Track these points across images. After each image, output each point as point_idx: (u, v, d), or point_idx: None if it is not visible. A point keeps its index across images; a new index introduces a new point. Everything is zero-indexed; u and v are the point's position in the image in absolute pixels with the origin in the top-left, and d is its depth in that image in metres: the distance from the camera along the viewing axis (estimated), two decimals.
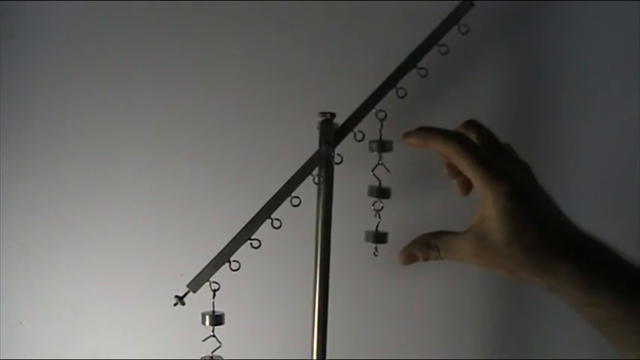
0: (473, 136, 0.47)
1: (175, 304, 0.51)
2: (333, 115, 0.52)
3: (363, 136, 0.52)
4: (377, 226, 0.53)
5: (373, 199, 0.53)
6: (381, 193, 0.53)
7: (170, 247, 0.63)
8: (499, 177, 0.42)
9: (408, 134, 0.47)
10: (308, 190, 0.52)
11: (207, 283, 0.51)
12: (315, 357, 0.53)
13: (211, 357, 0.52)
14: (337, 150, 0.52)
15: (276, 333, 0.63)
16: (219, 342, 0.51)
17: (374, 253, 0.54)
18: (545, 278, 0.42)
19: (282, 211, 0.51)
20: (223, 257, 0.51)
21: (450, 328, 0.65)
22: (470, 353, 0.65)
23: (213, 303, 0.51)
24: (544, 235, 0.41)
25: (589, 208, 0.63)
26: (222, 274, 0.51)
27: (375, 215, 0.53)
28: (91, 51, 0.63)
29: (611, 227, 0.61)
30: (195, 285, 0.51)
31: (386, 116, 0.51)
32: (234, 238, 0.51)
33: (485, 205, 0.42)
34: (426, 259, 0.48)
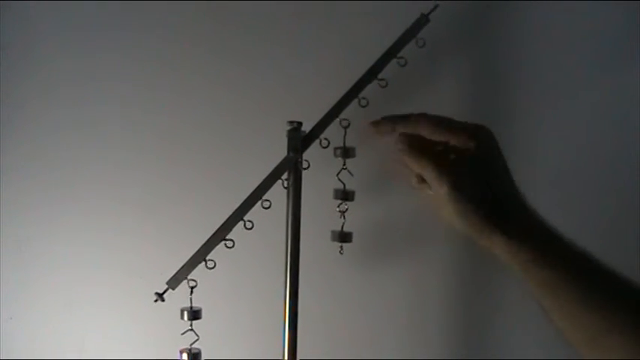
0: (426, 131, 0.51)
1: (156, 301, 0.54)
2: (300, 123, 0.55)
3: (329, 143, 0.55)
4: (342, 227, 0.57)
5: (338, 201, 0.56)
6: (345, 195, 0.56)
7: (151, 246, 0.65)
8: (446, 174, 0.47)
9: (375, 123, 0.53)
10: (278, 193, 0.55)
11: (185, 281, 0.55)
12: (286, 349, 0.56)
13: (190, 349, 0.55)
14: (304, 156, 0.55)
15: (250, 327, 0.66)
16: (197, 335, 0.55)
17: (340, 252, 0.57)
18: (485, 243, 0.47)
19: (254, 213, 0.54)
20: (199, 257, 0.54)
21: (417, 320, 0.67)
22: (435, 343, 0.68)
23: (191, 299, 0.55)
24: (486, 214, 0.47)
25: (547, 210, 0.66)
26: (199, 272, 0.54)
27: (341, 216, 0.56)
28: (79, 58, 0.64)
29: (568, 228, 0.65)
30: (173, 282, 0.54)
31: (349, 124, 0.55)
32: (210, 238, 0.54)
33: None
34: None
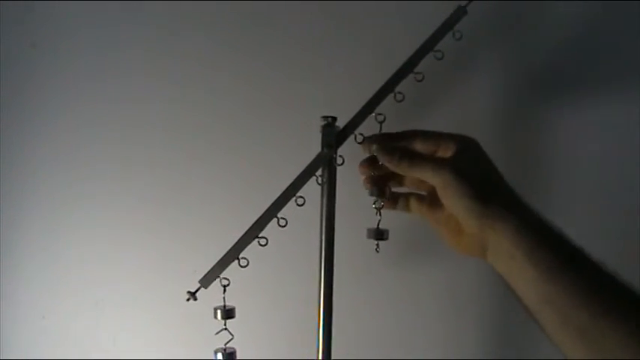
0: (420, 143, 0.52)
1: (188, 300, 0.54)
2: (334, 118, 0.54)
3: (364, 138, 0.53)
4: (378, 224, 0.56)
5: (373, 198, 0.55)
6: (381, 192, 0.55)
7: (183, 245, 0.66)
8: (443, 162, 0.48)
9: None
10: (312, 190, 0.54)
11: (218, 279, 0.54)
12: (320, 347, 0.55)
13: (224, 349, 0.54)
14: (339, 152, 0.54)
15: (284, 324, 0.66)
16: (232, 334, 0.54)
17: (376, 250, 0.56)
18: (489, 226, 0.46)
19: (288, 210, 0.53)
20: (232, 255, 0.53)
21: (452, 318, 0.67)
22: (470, 345, 0.67)
23: (224, 298, 0.54)
24: (490, 195, 0.46)
25: (577, 205, 0.65)
26: (232, 270, 0.53)
27: (377, 213, 0.55)
28: (108, 57, 0.66)
29: (598, 228, 0.64)
30: (206, 281, 0.54)
31: (385, 119, 0.53)
32: (243, 236, 0.53)
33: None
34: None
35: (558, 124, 0.65)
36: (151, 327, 0.67)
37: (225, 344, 0.54)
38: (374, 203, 0.55)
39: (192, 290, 0.54)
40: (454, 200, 0.47)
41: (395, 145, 0.52)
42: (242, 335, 0.54)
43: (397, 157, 0.51)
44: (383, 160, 0.52)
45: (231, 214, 0.63)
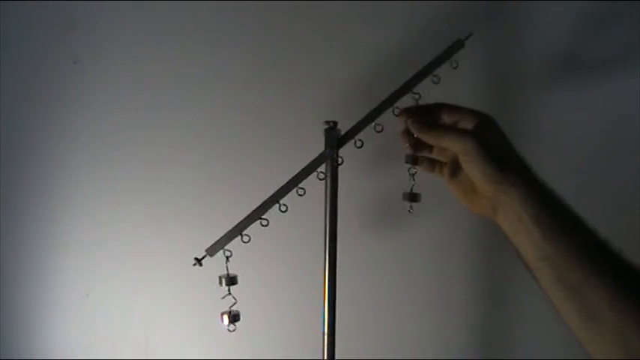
0: (446, 115, 0.59)
1: (194, 264, 0.59)
2: (335, 123, 0.61)
3: (362, 143, 0.60)
4: (411, 188, 0.63)
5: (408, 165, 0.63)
6: (415, 160, 0.62)
7: (205, 239, 0.68)
8: (466, 132, 0.54)
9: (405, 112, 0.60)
10: (315, 186, 0.60)
11: (222, 251, 0.60)
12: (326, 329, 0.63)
13: (229, 311, 0.60)
14: (341, 153, 0.60)
15: (285, 292, 0.74)
16: (235, 299, 0.60)
17: (409, 210, 0.63)
18: (503, 191, 0.51)
19: (290, 199, 0.59)
20: (237, 230, 0.60)
21: (446, 313, 0.74)
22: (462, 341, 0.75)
23: (227, 267, 0.60)
24: (507, 162, 0.52)
25: None
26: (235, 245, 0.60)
27: (410, 179, 0.63)
28: (142, 71, 0.74)
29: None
30: (212, 250, 0.60)
31: (382, 129, 0.60)
32: (248, 216, 0.60)
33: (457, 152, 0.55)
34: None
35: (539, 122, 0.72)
36: (178, 295, 0.76)
37: (230, 307, 0.60)
38: (408, 170, 0.63)
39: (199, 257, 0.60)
40: (474, 165, 0.52)
41: (425, 118, 0.59)
42: (245, 302, 0.60)
43: (426, 129, 0.57)
44: (415, 132, 0.58)
45: (245, 207, 0.67)
